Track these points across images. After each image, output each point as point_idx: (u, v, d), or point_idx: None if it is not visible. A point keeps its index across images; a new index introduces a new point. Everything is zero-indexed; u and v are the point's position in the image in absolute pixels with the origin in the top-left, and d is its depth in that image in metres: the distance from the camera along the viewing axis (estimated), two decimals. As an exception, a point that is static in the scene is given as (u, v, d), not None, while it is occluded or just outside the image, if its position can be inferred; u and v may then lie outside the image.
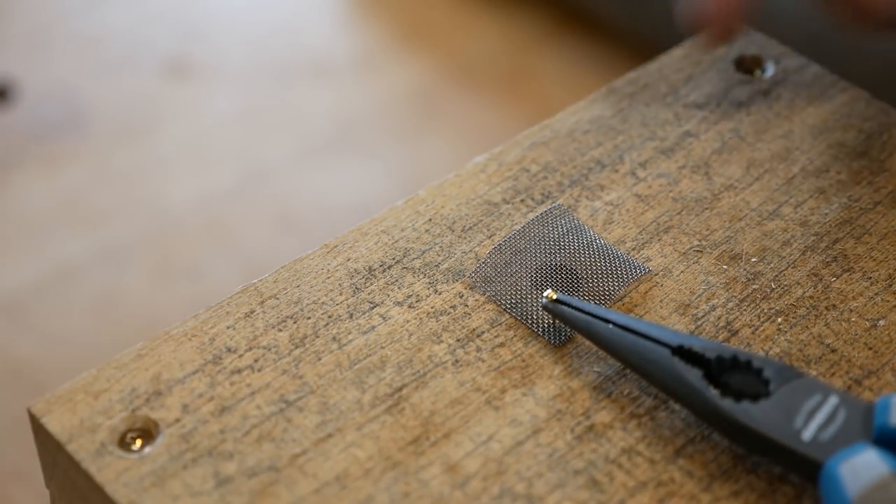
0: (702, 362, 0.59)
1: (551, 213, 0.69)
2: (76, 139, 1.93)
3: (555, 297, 0.63)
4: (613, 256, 0.67)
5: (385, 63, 2.13)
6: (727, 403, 0.57)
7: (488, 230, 0.69)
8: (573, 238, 0.68)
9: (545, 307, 0.64)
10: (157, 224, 1.81)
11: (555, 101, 2.00)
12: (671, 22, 1.90)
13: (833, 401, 0.57)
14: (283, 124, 1.99)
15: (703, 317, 0.65)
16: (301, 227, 1.81)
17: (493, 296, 0.65)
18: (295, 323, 0.64)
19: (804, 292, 0.66)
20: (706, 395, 0.58)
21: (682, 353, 0.59)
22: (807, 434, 0.56)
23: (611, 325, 0.61)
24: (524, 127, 0.77)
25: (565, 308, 0.63)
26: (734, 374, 0.59)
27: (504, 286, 0.65)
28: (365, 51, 2.17)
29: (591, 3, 2.08)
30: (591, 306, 0.62)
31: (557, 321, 0.64)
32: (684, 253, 0.68)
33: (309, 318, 0.64)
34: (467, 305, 0.65)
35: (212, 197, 1.86)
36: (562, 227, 0.68)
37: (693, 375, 0.58)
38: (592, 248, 0.67)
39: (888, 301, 0.66)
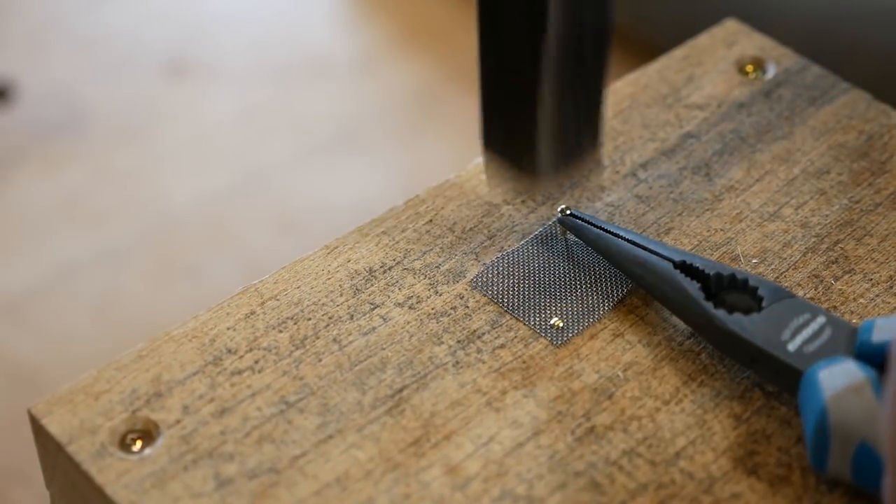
0: (701, 277, 0.63)
1: (556, 224, 0.69)
2: (76, 139, 1.93)
3: (568, 211, 0.67)
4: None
5: (385, 63, 2.12)
6: (720, 314, 0.61)
7: (489, 231, 0.69)
8: (579, 241, 0.68)
9: (559, 220, 0.67)
10: (157, 224, 1.81)
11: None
12: (670, 23, 1.90)
13: (821, 320, 0.60)
14: (283, 124, 1.99)
15: (703, 318, 0.65)
16: (301, 227, 1.81)
17: (495, 297, 0.65)
18: (295, 324, 0.63)
19: (805, 294, 0.66)
20: (702, 305, 0.61)
21: (684, 267, 0.63)
22: (792, 346, 0.59)
23: (620, 240, 0.65)
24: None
25: (578, 221, 0.66)
26: (731, 291, 0.62)
27: (506, 287, 0.65)
28: (365, 51, 2.17)
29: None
30: (601, 221, 0.66)
31: (561, 322, 0.64)
32: (685, 254, 0.68)
33: (309, 319, 0.64)
34: (468, 307, 0.65)
35: (212, 197, 1.85)
36: (568, 232, 0.68)
37: (692, 287, 0.62)
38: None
39: (889, 303, 0.66)
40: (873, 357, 0.57)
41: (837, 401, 0.55)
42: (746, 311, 0.61)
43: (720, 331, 0.61)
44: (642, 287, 0.64)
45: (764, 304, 0.61)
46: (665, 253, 0.64)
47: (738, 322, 0.60)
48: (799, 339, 0.59)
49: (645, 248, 0.64)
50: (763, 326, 0.60)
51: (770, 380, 0.61)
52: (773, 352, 0.59)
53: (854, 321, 0.65)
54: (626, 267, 0.64)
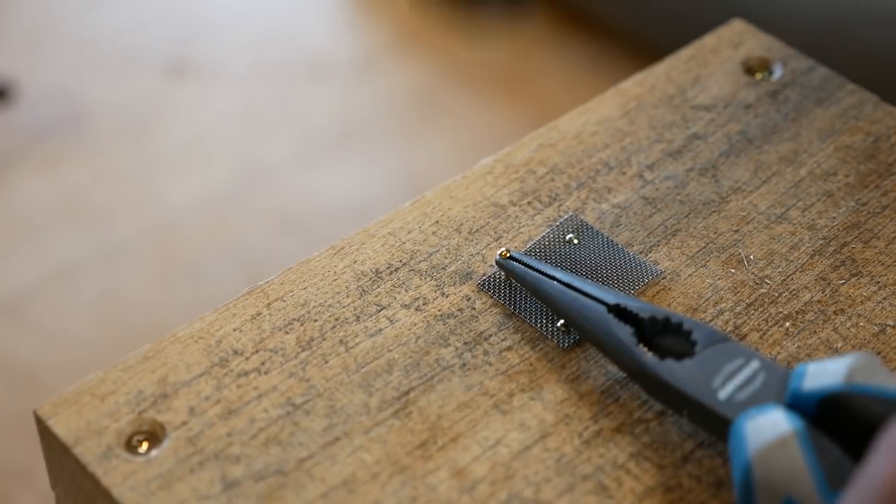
0: (635, 321, 0.61)
1: (565, 223, 0.69)
2: (76, 139, 1.92)
3: (508, 254, 0.65)
4: (626, 259, 0.67)
5: (385, 63, 2.12)
6: (650, 359, 0.59)
7: (495, 232, 0.68)
8: (585, 242, 0.68)
9: (497, 263, 0.66)
10: (157, 224, 1.81)
11: (555, 101, 2.00)
12: (671, 22, 1.90)
13: (754, 365, 0.58)
14: (283, 124, 1.98)
15: (710, 321, 0.65)
16: (301, 226, 1.81)
17: (502, 298, 0.65)
18: (302, 325, 0.63)
19: (812, 297, 0.66)
20: (632, 351, 0.59)
21: (618, 311, 0.61)
22: (723, 393, 0.57)
23: (556, 283, 0.63)
24: (524, 127, 0.76)
25: (516, 264, 0.65)
26: (666, 335, 0.60)
27: (513, 289, 0.65)
28: (365, 51, 2.17)
29: (591, 3, 2.08)
30: (540, 264, 0.65)
31: (575, 329, 0.63)
32: (692, 256, 0.68)
33: (316, 320, 0.64)
34: (475, 308, 0.65)
35: (212, 197, 1.85)
36: (575, 234, 0.68)
37: (623, 332, 0.60)
38: (605, 250, 0.67)
39: (897, 305, 0.66)
40: (804, 405, 0.55)
41: (762, 457, 0.53)
42: (679, 357, 0.59)
43: (650, 378, 0.58)
44: (579, 332, 0.62)
45: (697, 348, 0.59)
46: (600, 296, 0.62)
47: (668, 369, 0.58)
48: (730, 387, 0.57)
49: (580, 292, 0.62)
50: (694, 373, 0.58)
51: (703, 427, 0.59)
52: (703, 400, 0.57)
53: (862, 323, 0.65)
54: (563, 312, 0.62)
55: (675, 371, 0.58)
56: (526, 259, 0.65)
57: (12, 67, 2.03)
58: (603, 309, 0.61)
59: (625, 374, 0.62)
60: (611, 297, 0.61)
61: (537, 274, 0.64)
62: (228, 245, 1.78)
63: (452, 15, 2.16)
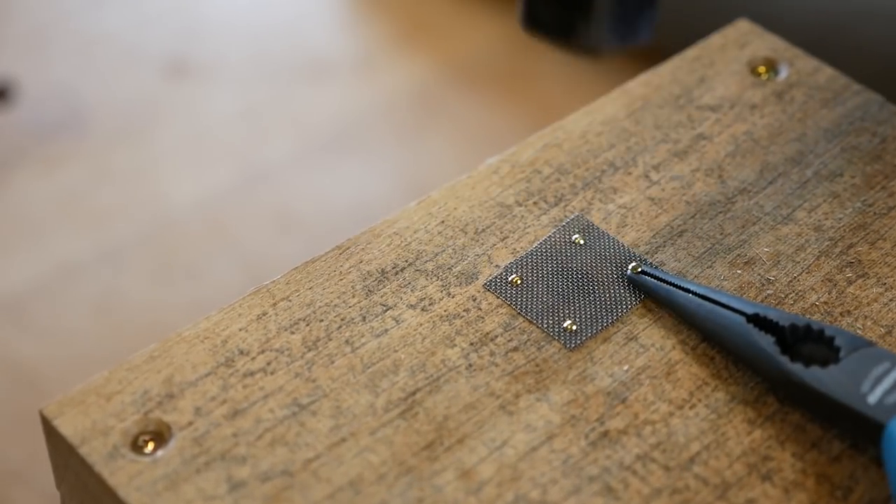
0: (775, 330, 0.61)
1: (571, 224, 0.68)
2: (76, 139, 1.92)
3: (639, 269, 0.65)
4: (632, 260, 0.67)
5: (385, 63, 2.12)
6: (797, 368, 0.59)
7: (501, 232, 0.68)
8: (591, 242, 0.68)
9: (629, 278, 0.65)
10: (157, 224, 1.81)
11: (555, 101, 1.99)
12: (674, 22, 1.90)
13: None
14: (283, 124, 1.98)
15: (717, 321, 0.65)
16: (301, 227, 1.81)
17: (508, 299, 0.65)
18: (307, 325, 0.63)
19: (818, 298, 0.66)
20: (777, 360, 0.59)
21: (757, 321, 0.61)
22: (872, 398, 0.57)
23: (690, 295, 0.63)
24: (524, 126, 0.76)
25: (648, 279, 0.65)
26: (807, 342, 0.60)
27: (519, 290, 0.65)
28: (365, 51, 2.17)
29: (592, 4, 2.07)
30: (672, 276, 0.65)
31: (574, 325, 0.63)
32: (698, 257, 0.67)
33: (321, 320, 0.63)
34: (481, 309, 0.64)
35: (212, 197, 1.85)
36: (581, 235, 0.68)
37: (766, 342, 0.60)
38: (610, 251, 0.67)
39: (904, 306, 0.66)
40: None
41: None
42: (824, 363, 0.59)
43: (797, 386, 0.59)
44: (716, 344, 0.62)
45: (841, 354, 0.59)
46: (737, 306, 0.62)
47: (815, 376, 0.58)
48: (879, 391, 0.57)
49: (716, 303, 0.62)
50: (841, 379, 0.58)
51: (851, 433, 0.59)
52: (853, 405, 0.57)
53: (869, 325, 0.64)
54: (699, 323, 0.63)
55: (822, 378, 0.58)
56: (657, 273, 0.65)
57: (13, 67, 2.03)
58: (741, 319, 0.61)
59: (630, 377, 0.61)
60: (748, 307, 0.62)
61: (670, 287, 0.64)
62: (228, 245, 1.78)
63: (452, 14, 2.16)
